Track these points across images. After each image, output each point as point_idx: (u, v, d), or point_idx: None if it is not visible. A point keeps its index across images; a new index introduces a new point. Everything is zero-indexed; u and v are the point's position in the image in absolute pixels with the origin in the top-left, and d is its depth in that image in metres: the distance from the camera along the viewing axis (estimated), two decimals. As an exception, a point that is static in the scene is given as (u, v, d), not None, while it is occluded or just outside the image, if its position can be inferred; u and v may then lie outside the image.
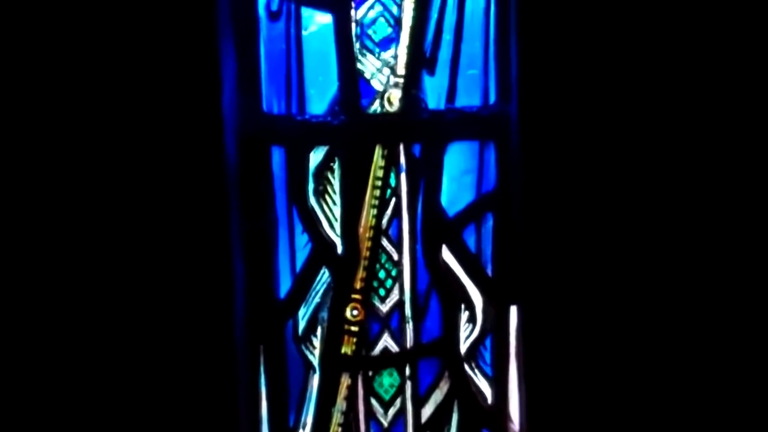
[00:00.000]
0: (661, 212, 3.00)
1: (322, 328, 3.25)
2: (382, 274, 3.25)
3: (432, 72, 3.19)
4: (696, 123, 2.97)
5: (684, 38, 2.95)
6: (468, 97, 3.20)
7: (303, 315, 3.25)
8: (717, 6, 2.94)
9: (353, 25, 3.15)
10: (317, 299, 3.24)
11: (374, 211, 3.21)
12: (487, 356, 3.27)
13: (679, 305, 3.02)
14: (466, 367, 3.26)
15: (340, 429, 3.25)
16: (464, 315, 3.26)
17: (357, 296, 3.23)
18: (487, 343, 3.27)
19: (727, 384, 3.04)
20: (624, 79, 2.95)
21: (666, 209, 3.00)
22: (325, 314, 3.24)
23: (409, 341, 3.26)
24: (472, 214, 3.23)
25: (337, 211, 3.21)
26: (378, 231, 3.22)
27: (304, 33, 3.17)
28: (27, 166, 2.91)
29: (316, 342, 3.25)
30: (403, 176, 3.21)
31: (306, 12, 3.16)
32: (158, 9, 2.87)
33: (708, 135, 2.98)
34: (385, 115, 3.19)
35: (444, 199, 3.22)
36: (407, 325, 3.26)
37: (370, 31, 3.18)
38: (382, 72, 3.19)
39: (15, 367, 2.96)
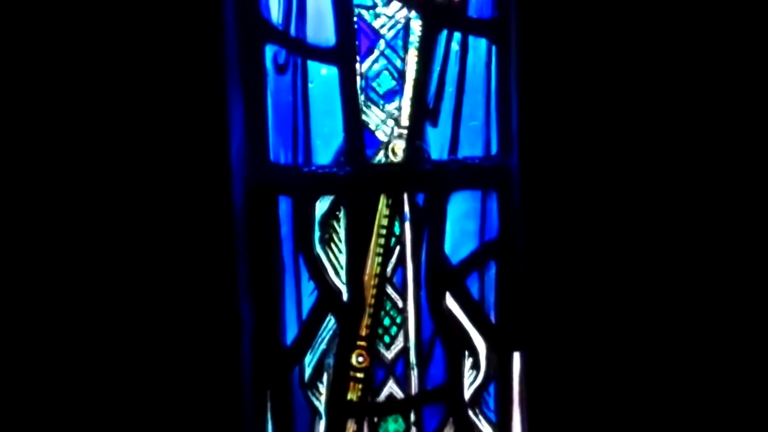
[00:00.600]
0: (662, 262, 3.02)
1: (328, 375, 3.26)
2: (387, 321, 3.27)
3: (435, 123, 3.22)
4: (694, 168, 3.01)
5: (678, 83, 2.99)
6: (470, 148, 3.23)
7: (309, 361, 3.26)
8: (716, 32, 2.97)
9: (358, 77, 3.19)
10: (323, 346, 3.26)
11: (379, 259, 3.24)
12: (491, 402, 3.28)
13: (685, 357, 3.04)
14: (471, 413, 3.27)
15: (345, 475, 3.28)
16: (468, 361, 3.27)
17: (362, 343, 3.25)
18: (491, 389, 3.28)
19: (732, 407, 3.06)
20: (622, 129, 2.98)
21: (666, 256, 3.02)
22: (331, 361, 3.26)
23: (414, 388, 3.27)
24: (475, 262, 3.25)
25: (342, 259, 3.24)
26: (383, 279, 3.25)
27: (310, 85, 3.21)
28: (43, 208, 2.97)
29: (323, 388, 3.27)
30: (407, 225, 3.24)
31: (312, 65, 3.20)
32: (168, 59, 2.92)
33: (709, 158, 3.01)
34: (389, 165, 3.23)
35: (447, 248, 3.24)
36: (412, 371, 3.27)
37: (374, 84, 3.22)
38: (387, 123, 3.23)
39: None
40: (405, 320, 3.27)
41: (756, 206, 3.03)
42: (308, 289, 3.25)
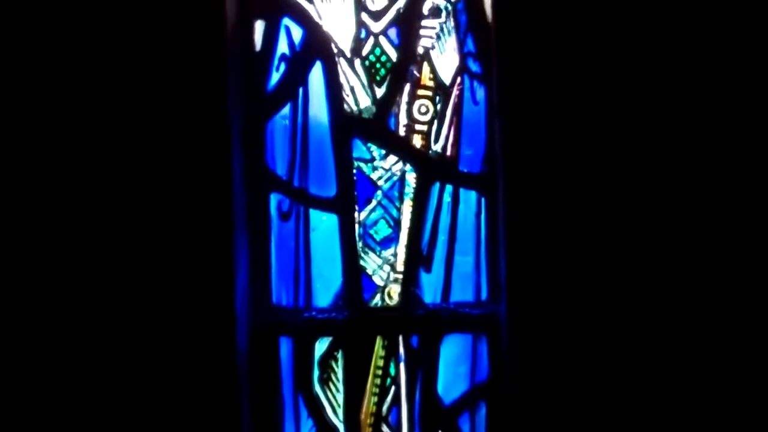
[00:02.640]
0: (648, 386, 3.09)
1: None
2: (382, 459, 3.34)
3: (428, 269, 3.34)
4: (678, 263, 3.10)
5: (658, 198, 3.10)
6: (462, 293, 3.35)
7: (307, 497, 3.32)
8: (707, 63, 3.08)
9: (357, 225, 3.32)
10: (321, 482, 3.32)
11: (375, 399, 3.33)
12: None
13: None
14: None
15: None
16: (460, 499, 3.31)
17: (358, 480, 3.31)
18: None
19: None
20: (606, 276, 3.08)
21: (653, 379, 3.10)
22: (328, 497, 3.31)
23: None
24: (466, 402, 3.33)
25: (340, 397, 3.33)
26: (378, 417, 3.33)
27: (311, 232, 3.33)
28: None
29: None
30: (402, 366, 3.33)
31: (314, 213, 3.34)
32: (178, 205, 3.05)
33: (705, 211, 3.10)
34: (385, 309, 3.34)
35: (440, 388, 3.33)
36: None
37: (372, 231, 3.35)
38: (383, 268, 3.35)
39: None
40: (400, 458, 3.33)
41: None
42: (307, 426, 3.33)
